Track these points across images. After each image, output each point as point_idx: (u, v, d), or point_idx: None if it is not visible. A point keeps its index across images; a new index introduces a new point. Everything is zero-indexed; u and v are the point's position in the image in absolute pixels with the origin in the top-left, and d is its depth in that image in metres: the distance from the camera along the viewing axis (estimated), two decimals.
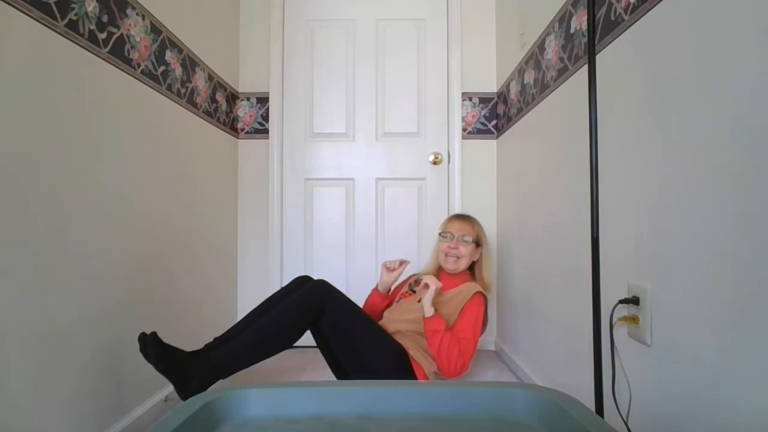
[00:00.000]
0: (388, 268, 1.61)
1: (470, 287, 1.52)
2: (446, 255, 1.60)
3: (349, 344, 1.33)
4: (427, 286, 1.39)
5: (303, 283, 1.43)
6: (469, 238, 1.59)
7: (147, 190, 1.35)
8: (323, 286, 1.34)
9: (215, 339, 1.30)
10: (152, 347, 1.10)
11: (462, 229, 1.61)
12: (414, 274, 1.80)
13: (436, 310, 1.40)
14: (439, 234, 1.68)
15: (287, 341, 1.26)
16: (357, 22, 2.20)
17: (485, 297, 1.53)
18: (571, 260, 1.27)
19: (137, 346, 1.15)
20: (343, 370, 1.43)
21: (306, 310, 1.29)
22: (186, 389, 1.12)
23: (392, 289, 1.69)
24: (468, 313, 1.46)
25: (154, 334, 1.12)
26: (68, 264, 1.02)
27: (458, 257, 1.58)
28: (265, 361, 1.25)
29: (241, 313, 2.04)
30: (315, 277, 1.45)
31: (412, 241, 2.17)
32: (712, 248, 0.72)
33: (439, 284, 1.40)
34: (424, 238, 2.14)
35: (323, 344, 1.42)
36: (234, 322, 1.42)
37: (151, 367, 1.12)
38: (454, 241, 1.60)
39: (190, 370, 1.13)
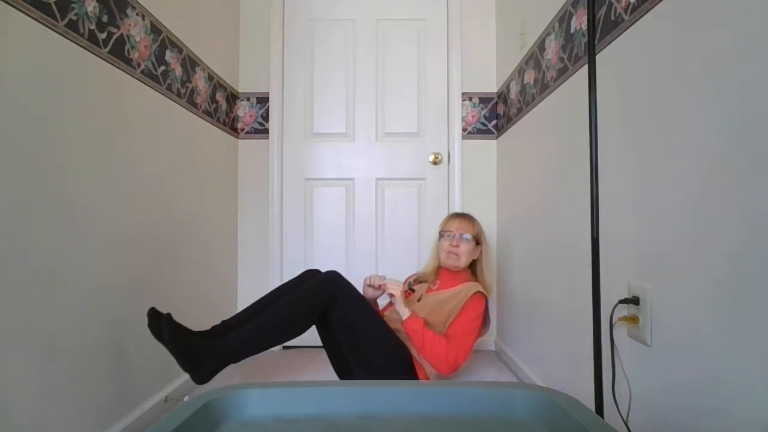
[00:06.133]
0: (371, 285, 1.48)
1: (470, 287, 1.53)
2: (447, 253, 1.61)
3: (357, 338, 1.33)
4: (392, 294, 1.41)
5: (312, 275, 1.44)
6: (469, 236, 1.60)
7: (147, 189, 1.35)
8: (336, 278, 1.35)
9: (222, 322, 1.30)
10: (166, 328, 1.10)
11: (462, 227, 1.62)
12: (413, 274, 1.81)
13: (411, 311, 1.42)
14: (439, 232, 1.69)
15: (298, 329, 1.27)
16: (357, 22, 2.20)
17: (485, 296, 1.53)
18: (571, 260, 1.27)
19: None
20: (345, 366, 1.43)
21: (318, 299, 1.29)
22: (197, 371, 1.12)
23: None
24: (465, 311, 1.47)
25: (168, 316, 1.12)
26: (67, 265, 1.02)
27: (458, 255, 1.59)
28: (266, 360, 1.25)
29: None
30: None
31: (412, 241, 2.17)
32: (713, 248, 0.72)
33: (401, 289, 1.42)
34: (424, 238, 2.15)
35: (328, 337, 1.42)
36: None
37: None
38: (455, 239, 1.61)
39: (202, 352, 1.13)
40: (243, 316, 1.32)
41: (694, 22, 0.77)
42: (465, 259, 1.60)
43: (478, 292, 1.51)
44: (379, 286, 1.44)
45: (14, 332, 0.88)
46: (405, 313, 1.40)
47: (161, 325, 1.11)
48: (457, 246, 1.60)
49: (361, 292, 1.45)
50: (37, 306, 0.94)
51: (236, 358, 1.19)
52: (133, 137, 1.28)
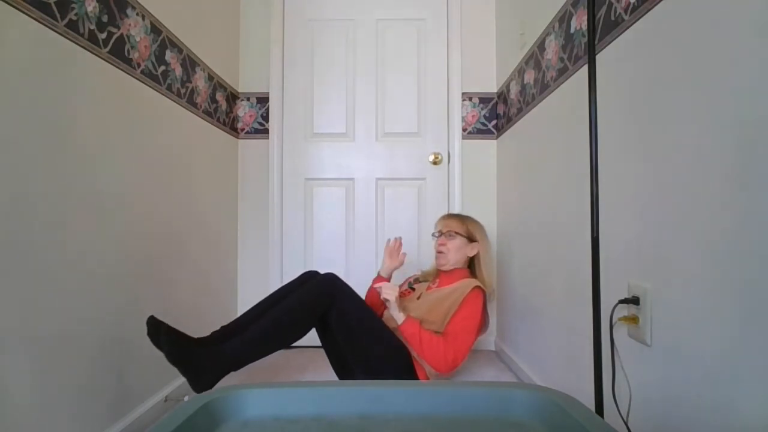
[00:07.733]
0: (391, 253, 1.66)
1: (469, 282, 1.52)
2: (437, 252, 1.63)
3: (357, 338, 1.33)
4: (386, 299, 1.40)
5: (310, 278, 1.44)
6: (455, 233, 1.60)
7: (146, 190, 1.35)
8: (334, 280, 1.35)
9: (222, 327, 1.30)
10: (165, 337, 1.10)
11: (449, 225, 1.63)
12: (414, 274, 1.81)
13: (407, 314, 1.41)
14: (432, 235, 1.70)
15: (299, 332, 1.27)
16: (357, 22, 2.20)
17: (484, 292, 1.52)
18: (571, 260, 1.27)
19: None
20: (345, 367, 1.43)
21: (317, 301, 1.29)
22: (199, 381, 1.12)
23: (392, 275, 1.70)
24: (463, 307, 1.46)
25: (167, 326, 1.12)
26: (68, 263, 1.02)
27: (445, 253, 1.60)
28: (265, 360, 1.25)
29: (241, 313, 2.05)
30: None
31: (412, 242, 2.17)
32: (713, 248, 0.72)
33: (395, 293, 1.39)
34: (424, 238, 2.14)
35: (328, 339, 1.42)
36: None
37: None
38: (442, 238, 1.62)
39: (204, 361, 1.13)
40: (243, 321, 1.32)
41: (694, 22, 0.77)
42: (454, 257, 1.60)
43: (477, 287, 1.50)
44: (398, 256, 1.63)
45: (14, 332, 0.88)
46: (400, 318, 1.39)
47: (161, 334, 1.11)
48: (443, 244, 1.60)
49: (381, 266, 1.66)
50: (37, 306, 0.93)
51: (237, 365, 1.18)
52: (133, 137, 1.28)
